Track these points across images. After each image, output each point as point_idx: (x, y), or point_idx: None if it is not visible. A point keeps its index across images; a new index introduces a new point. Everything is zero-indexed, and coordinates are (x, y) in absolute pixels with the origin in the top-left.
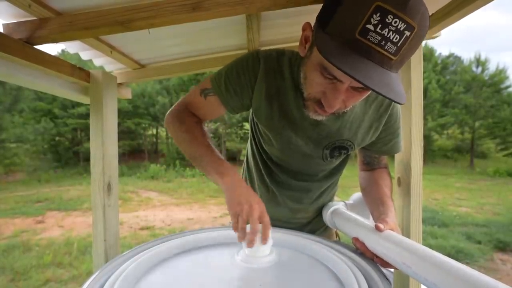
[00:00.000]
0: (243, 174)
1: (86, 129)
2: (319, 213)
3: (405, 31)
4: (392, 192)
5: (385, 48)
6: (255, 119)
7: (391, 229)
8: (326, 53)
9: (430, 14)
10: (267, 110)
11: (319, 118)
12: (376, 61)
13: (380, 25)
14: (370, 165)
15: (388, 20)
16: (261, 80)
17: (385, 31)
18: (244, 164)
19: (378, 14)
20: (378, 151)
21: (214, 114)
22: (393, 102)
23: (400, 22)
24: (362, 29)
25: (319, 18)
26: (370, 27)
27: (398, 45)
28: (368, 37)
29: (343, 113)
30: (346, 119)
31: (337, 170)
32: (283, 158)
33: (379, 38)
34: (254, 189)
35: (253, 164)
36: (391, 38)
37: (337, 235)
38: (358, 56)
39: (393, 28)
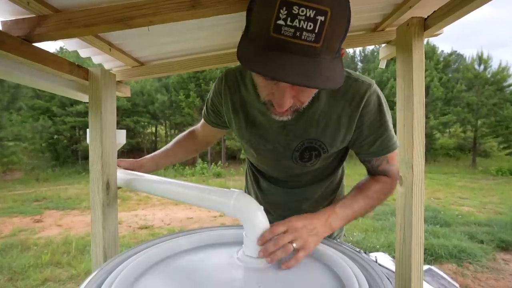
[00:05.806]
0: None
1: (84, 127)
2: None
3: (317, 17)
4: (378, 199)
5: (302, 38)
6: None
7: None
8: (241, 57)
9: (432, 12)
10: (235, 122)
11: (284, 118)
12: (298, 53)
13: (289, 18)
14: (370, 174)
15: (295, 11)
16: (225, 97)
17: (296, 22)
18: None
19: (284, 8)
20: (367, 154)
21: (211, 135)
22: (365, 97)
23: (308, 9)
24: (275, 26)
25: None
26: (281, 22)
27: (316, 31)
28: (282, 32)
29: (307, 110)
30: (311, 117)
31: (327, 174)
32: (261, 165)
33: (292, 30)
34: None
35: (249, 173)
36: (304, 27)
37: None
38: (278, 53)
39: (303, 17)
